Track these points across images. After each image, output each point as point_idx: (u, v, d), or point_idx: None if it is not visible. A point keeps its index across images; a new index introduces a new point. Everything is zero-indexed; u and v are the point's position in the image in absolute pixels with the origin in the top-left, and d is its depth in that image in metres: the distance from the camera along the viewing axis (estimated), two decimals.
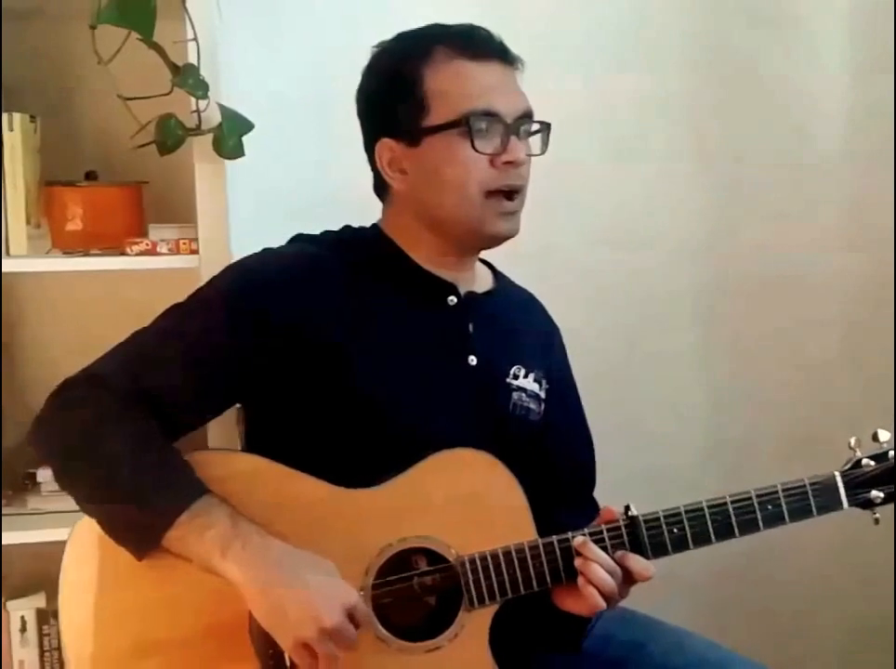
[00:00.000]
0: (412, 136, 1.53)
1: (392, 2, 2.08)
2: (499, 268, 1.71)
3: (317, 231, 1.64)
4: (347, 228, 1.64)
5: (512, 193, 1.54)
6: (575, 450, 1.71)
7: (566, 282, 2.24)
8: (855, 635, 2.41)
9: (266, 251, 1.59)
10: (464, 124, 1.50)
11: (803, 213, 2.34)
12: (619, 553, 1.47)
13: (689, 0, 2.27)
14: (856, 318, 2.38)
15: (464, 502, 1.48)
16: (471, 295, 1.61)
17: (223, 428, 1.72)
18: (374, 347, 1.51)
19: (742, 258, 2.35)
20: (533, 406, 1.62)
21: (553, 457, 1.64)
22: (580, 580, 1.45)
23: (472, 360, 1.58)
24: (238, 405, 1.62)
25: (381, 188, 1.61)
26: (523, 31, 2.15)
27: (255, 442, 1.59)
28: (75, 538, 1.44)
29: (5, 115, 1.86)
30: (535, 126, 1.58)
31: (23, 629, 1.96)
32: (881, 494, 1.51)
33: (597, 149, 2.25)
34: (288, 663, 1.38)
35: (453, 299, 1.59)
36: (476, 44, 1.54)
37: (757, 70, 2.30)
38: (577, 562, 1.46)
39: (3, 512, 1.87)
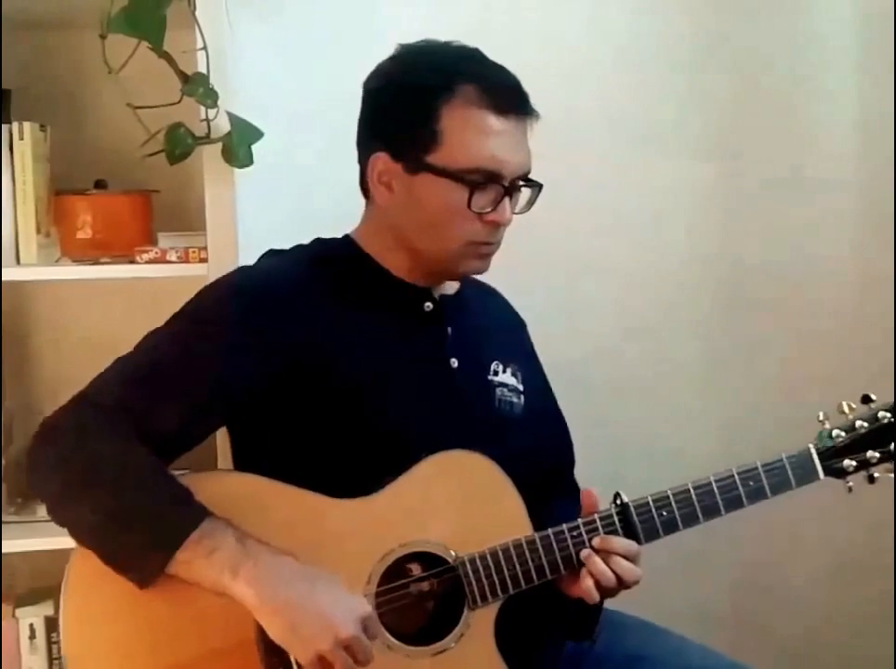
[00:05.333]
0: (412, 164, 1.52)
1: (402, 11, 2.09)
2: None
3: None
4: (317, 240, 1.65)
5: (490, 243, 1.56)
6: (557, 437, 1.75)
7: (581, 288, 2.25)
8: (855, 647, 2.40)
9: (242, 269, 1.60)
10: (466, 179, 1.50)
11: (810, 222, 2.34)
12: (597, 538, 1.49)
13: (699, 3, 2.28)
14: (860, 325, 2.37)
15: (460, 503, 1.50)
16: (445, 298, 1.63)
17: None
18: (358, 357, 1.52)
19: (753, 269, 2.34)
20: (515, 400, 1.65)
21: (538, 446, 1.65)
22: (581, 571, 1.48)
23: (454, 362, 1.60)
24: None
25: (366, 187, 1.61)
26: (528, 30, 2.16)
27: (242, 461, 1.59)
28: (77, 557, 1.41)
29: (15, 124, 1.87)
30: (528, 190, 1.57)
31: (32, 637, 1.96)
32: (853, 463, 1.56)
33: (606, 152, 2.25)
34: None
35: (429, 305, 1.61)
36: (500, 94, 1.51)
37: (765, 79, 2.30)
38: (583, 554, 1.48)
39: (13, 519, 1.89)
